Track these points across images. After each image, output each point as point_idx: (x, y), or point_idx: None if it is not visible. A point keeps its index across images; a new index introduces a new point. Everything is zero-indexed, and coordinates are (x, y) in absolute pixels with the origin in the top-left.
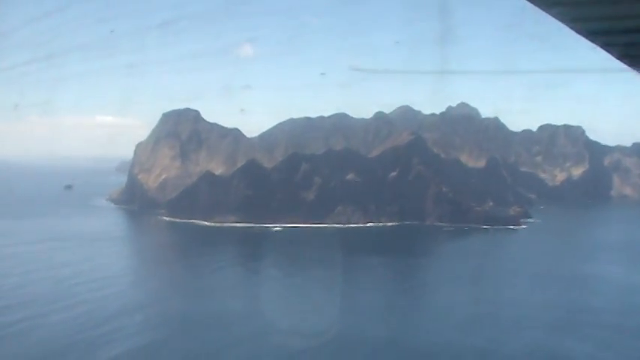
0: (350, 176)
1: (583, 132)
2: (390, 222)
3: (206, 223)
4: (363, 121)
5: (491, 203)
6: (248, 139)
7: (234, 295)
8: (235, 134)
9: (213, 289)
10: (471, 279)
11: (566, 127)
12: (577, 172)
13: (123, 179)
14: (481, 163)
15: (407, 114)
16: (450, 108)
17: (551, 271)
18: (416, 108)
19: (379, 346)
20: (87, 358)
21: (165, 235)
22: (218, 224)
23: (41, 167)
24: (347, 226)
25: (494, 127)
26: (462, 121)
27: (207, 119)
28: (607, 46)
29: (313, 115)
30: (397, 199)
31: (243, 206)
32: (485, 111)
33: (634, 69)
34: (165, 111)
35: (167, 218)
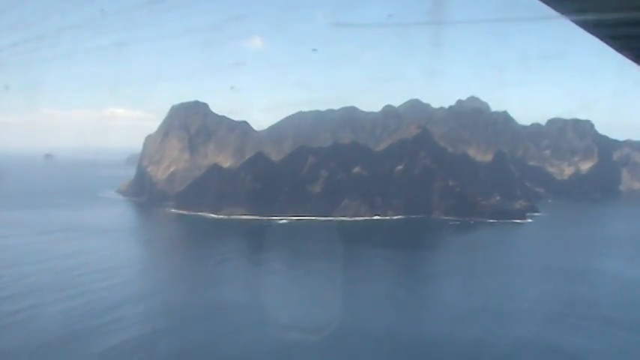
0: (356, 170)
1: (592, 126)
2: (396, 215)
3: (213, 215)
4: (371, 115)
5: (498, 197)
6: (256, 132)
7: (236, 287)
8: (244, 127)
9: (216, 280)
10: (473, 272)
11: (575, 121)
12: (585, 166)
13: (133, 171)
14: (489, 157)
15: (416, 107)
16: (459, 102)
17: (553, 265)
18: (425, 102)
19: (376, 337)
20: (86, 347)
21: (172, 227)
22: (225, 217)
23: (50, 160)
24: (353, 219)
25: (503, 120)
26: (471, 115)
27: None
28: (609, 39)
29: (322, 108)
30: (403, 192)
31: (250, 199)
32: (494, 103)
33: (635, 62)
34: (174, 104)
35: (175, 210)
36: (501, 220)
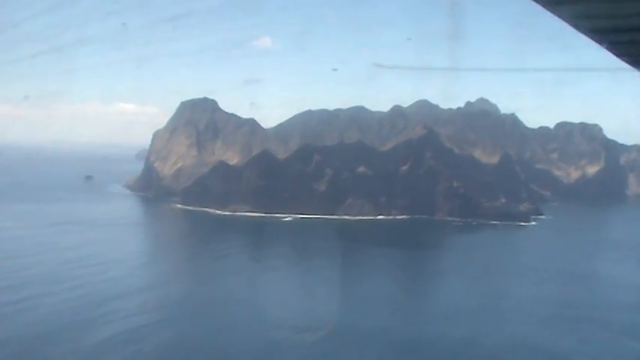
0: (361, 169)
1: (600, 130)
2: (400, 215)
3: (218, 211)
4: (379, 115)
5: (503, 199)
6: (264, 129)
7: (235, 282)
8: (251, 125)
9: (216, 276)
10: (471, 272)
11: (583, 125)
12: (592, 170)
13: (141, 166)
14: (495, 159)
15: (424, 108)
16: (468, 104)
17: (553, 267)
18: (434, 102)
19: (368, 335)
20: (80, 339)
21: (177, 222)
22: (230, 213)
23: (63, 154)
24: (357, 218)
25: (511, 123)
26: (479, 117)
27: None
28: (609, 45)
29: (331, 107)
30: (408, 192)
31: (255, 196)
32: (505, 107)
33: (635, 67)
34: (183, 100)
35: (181, 206)
36: (505, 222)
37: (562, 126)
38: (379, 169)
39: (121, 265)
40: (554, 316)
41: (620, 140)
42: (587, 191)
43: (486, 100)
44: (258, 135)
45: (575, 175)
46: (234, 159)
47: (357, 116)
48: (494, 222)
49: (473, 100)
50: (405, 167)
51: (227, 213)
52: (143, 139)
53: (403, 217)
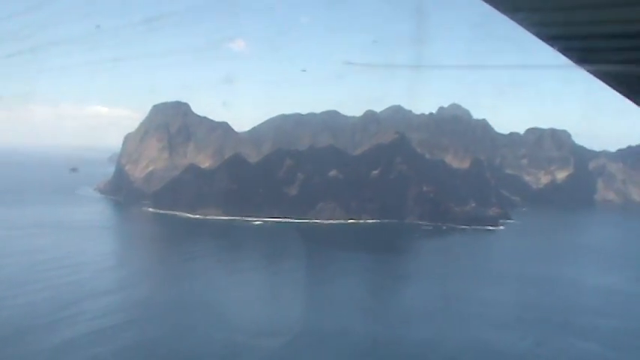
0: (333, 173)
1: (569, 136)
2: (370, 219)
3: (189, 215)
4: (352, 119)
5: (473, 204)
6: (237, 133)
7: (199, 285)
8: (224, 128)
9: (181, 278)
10: (435, 275)
11: (553, 130)
12: (561, 175)
13: (113, 169)
14: (465, 164)
15: (397, 113)
16: (441, 109)
17: (516, 271)
18: (406, 108)
19: (327, 337)
20: (41, 341)
21: (146, 226)
22: (201, 217)
23: (35, 156)
24: (328, 222)
25: (482, 128)
26: (451, 122)
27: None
28: (566, 51)
29: (305, 111)
30: (378, 197)
31: (226, 199)
32: (477, 112)
33: (592, 74)
34: (155, 103)
35: (151, 209)
36: (473, 227)
37: (532, 132)
38: (350, 173)
39: (87, 267)
40: (515, 319)
41: (589, 146)
42: (557, 196)
43: (459, 106)
44: (230, 138)
45: (544, 180)
46: (206, 162)
47: (330, 120)
48: (463, 226)
49: (445, 105)
50: (376, 172)
51: (198, 216)
52: (117, 141)
53: (374, 221)
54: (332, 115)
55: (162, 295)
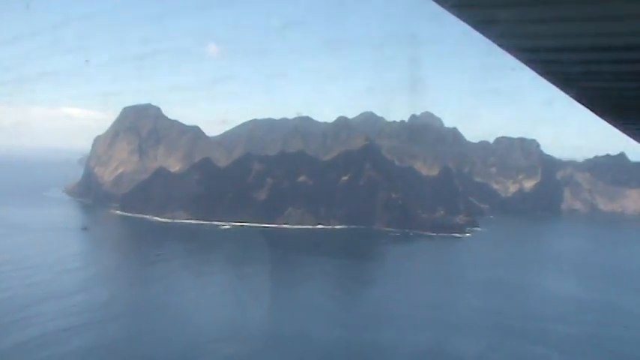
0: (302, 179)
1: (538, 145)
2: (339, 225)
3: (157, 218)
4: (324, 125)
5: (441, 211)
6: (208, 137)
7: (161, 288)
8: (195, 132)
9: (143, 281)
10: (399, 281)
11: (522, 140)
12: (529, 184)
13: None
14: (435, 172)
15: (369, 120)
16: (413, 117)
17: (477, 278)
18: (379, 115)
19: (282, 339)
20: None
21: (112, 228)
22: (169, 220)
23: (5, 158)
24: (296, 227)
25: (453, 137)
26: (422, 130)
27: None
28: (531, 63)
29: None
30: (347, 203)
31: (194, 203)
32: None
33: (556, 86)
34: (126, 105)
35: (119, 212)
36: (440, 234)
37: (501, 141)
38: (320, 179)
39: (50, 269)
40: (472, 324)
41: (557, 156)
42: (524, 205)
43: (431, 114)
44: (201, 142)
45: (512, 188)
46: (175, 166)
47: (302, 126)
48: (430, 233)
49: (418, 113)
50: (345, 178)
51: (166, 220)
52: (88, 143)
53: (342, 226)
54: (304, 121)
55: (124, 298)
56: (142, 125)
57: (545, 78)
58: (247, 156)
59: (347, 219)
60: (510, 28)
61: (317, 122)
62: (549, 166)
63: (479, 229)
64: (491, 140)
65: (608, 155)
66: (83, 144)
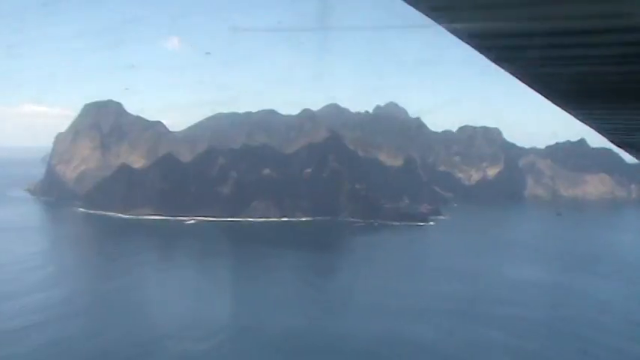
0: (266, 171)
1: (500, 133)
2: (304, 217)
3: (121, 215)
4: (288, 118)
5: (407, 201)
6: (171, 133)
7: (122, 284)
8: (158, 128)
9: (105, 278)
10: (361, 270)
11: (485, 128)
12: (492, 172)
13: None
14: (399, 162)
15: (334, 112)
16: (377, 107)
17: (438, 265)
18: (343, 106)
19: (242, 331)
20: None
21: (75, 226)
22: (133, 217)
23: None
24: (261, 220)
25: (417, 127)
26: (386, 121)
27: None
28: (484, 50)
29: (240, 110)
30: (312, 194)
31: (158, 199)
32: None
33: (509, 72)
34: (87, 102)
35: (83, 210)
36: (404, 223)
37: (464, 130)
38: (284, 172)
39: (10, 268)
40: (433, 310)
41: (519, 143)
42: (488, 192)
43: (396, 105)
44: (165, 138)
45: (476, 176)
46: (139, 162)
47: (266, 119)
48: (394, 223)
49: (382, 104)
50: (309, 170)
51: (130, 216)
52: (52, 141)
53: (307, 218)
54: (268, 114)
55: (85, 295)
56: (103, 121)
57: (499, 65)
58: (211, 150)
59: (312, 211)
60: (461, 14)
61: (281, 115)
62: (512, 153)
63: (442, 217)
64: (455, 129)
65: (568, 142)
66: (47, 142)
